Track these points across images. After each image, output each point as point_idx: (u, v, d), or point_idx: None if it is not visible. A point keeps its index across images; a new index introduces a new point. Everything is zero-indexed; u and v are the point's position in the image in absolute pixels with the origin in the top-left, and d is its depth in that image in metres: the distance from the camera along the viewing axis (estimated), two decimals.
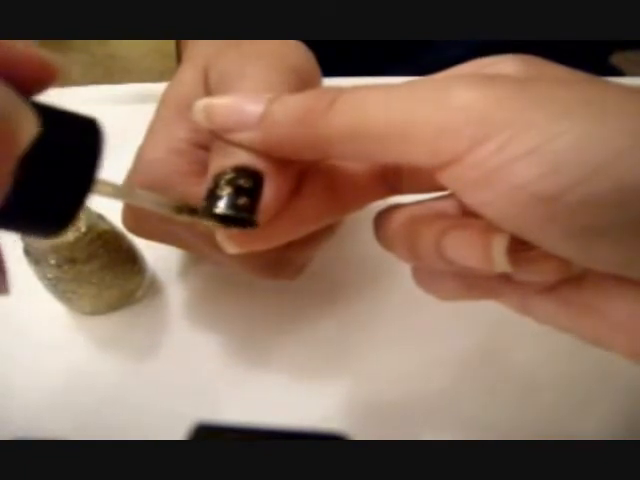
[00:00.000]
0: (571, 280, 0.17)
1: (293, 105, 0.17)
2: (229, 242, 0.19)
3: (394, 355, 0.30)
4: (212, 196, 0.17)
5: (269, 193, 0.18)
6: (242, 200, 0.17)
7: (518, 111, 0.14)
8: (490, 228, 0.17)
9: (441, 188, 0.21)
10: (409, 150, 0.15)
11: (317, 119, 0.16)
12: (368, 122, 0.16)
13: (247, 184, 0.17)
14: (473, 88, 0.15)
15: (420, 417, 0.28)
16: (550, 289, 0.18)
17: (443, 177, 0.16)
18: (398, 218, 0.19)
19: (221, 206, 0.17)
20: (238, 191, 0.17)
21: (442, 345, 0.30)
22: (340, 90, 0.16)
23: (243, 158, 0.18)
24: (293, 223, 0.19)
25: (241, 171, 0.17)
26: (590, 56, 0.51)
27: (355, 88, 0.16)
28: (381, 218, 0.20)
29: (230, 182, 0.17)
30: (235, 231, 0.18)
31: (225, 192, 0.17)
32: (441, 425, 0.27)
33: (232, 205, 0.17)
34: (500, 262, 0.16)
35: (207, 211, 0.17)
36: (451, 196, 0.21)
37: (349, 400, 0.28)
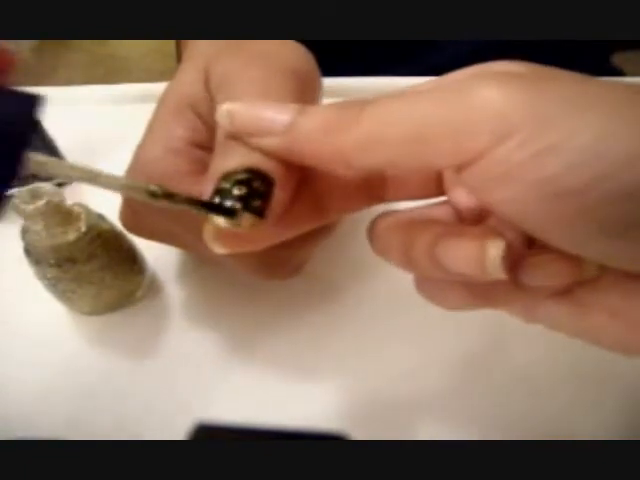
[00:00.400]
0: (585, 282, 0.17)
1: (321, 116, 0.17)
2: (216, 243, 0.19)
3: (394, 355, 0.30)
4: (222, 193, 0.17)
5: (278, 198, 0.18)
6: (257, 202, 0.17)
7: (537, 107, 0.14)
8: (485, 235, 0.17)
9: (426, 196, 0.21)
10: (432, 152, 0.15)
11: (344, 130, 0.16)
12: (393, 129, 0.16)
13: (262, 187, 0.17)
14: (491, 86, 0.15)
15: (420, 417, 0.28)
16: (562, 293, 0.18)
17: (465, 177, 0.16)
18: (391, 224, 0.19)
19: (237, 205, 0.17)
20: (252, 193, 0.17)
21: (442, 344, 0.30)
22: (366, 101, 0.17)
23: (259, 161, 0.18)
24: (278, 227, 0.19)
25: (254, 173, 0.17)
26: (590, 56, 0.51)
27: (380, 98, 0.16)
28: (374, 225, 0.20)
29: (244, 183, 0.17)
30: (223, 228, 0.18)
31: (240, 192, 0.17)
32: (441, 425, 0.27)
33: (247, 206, 0.17)
34: (494, 269, 0.16)
35: (214, 207, 0.17)
36: (445, 203, 0.21)
37: (349, 400, 0.28)
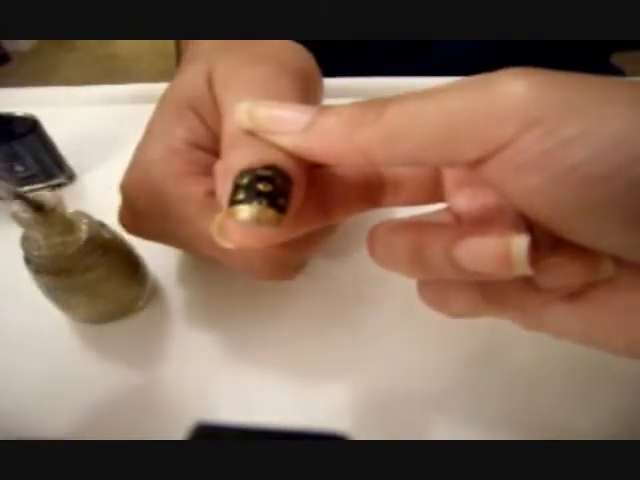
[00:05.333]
0: (601, 283, 0.17)
1: (343, 113, 0.17)
2: (222, 237, 0.19)
3: (395, 354, 0.30)
4: (246, 189, 0.17)
5: (295, 196, 0.18)
6: (282, 200, 0.17)
7: (564, 96, 0.14)
8: (505, 231, 0.16)
9: (422, 202, 0.21)
10: (457, 144, 0.15)
11: (368, 125, 0.16)
12: (418, 122, 0.16)
13: (284, 185, 0.17)
14: (517, 77, 0.15)
15: (421, 417, 0.28)
16: (574, 295, 0.18)
17: (487, 169, 0.15)
18: (398, 228, 0.19)
19: (263, 201, 0.17)
20: (278, 190, 0.17)
21: (443, 345, 0.30)
22: (389, 98, 0.17)
23: (280, 158, 0.18)
24: (284, 226, 0.19)
25: (275, 170, 0.17)
26: (590, 56, 0.51)
27: (403, 94, 0.16)
28: (376, 230, 0.20)
29: (267, 179, 0.17)
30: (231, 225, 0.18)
31: (266, 188, 0.17)
32: (442, 425, 0.27)
33: (272, 202, 0.17)
34: (520, 264, 0.16)
35: (237, 203, 0.17)
36: (442, 211, 0.21)
37: (349, 400, 0.28)
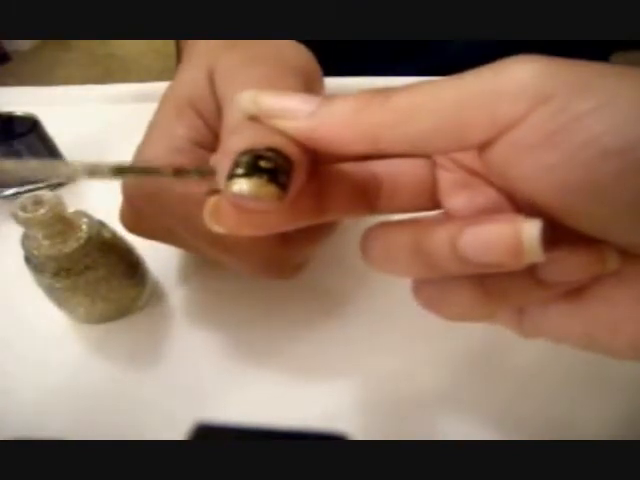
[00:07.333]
0: (606, 277, 0.17)
1: (350, 98, 0.17)
2: (214, 220, 0.19)
3: (395, 354, 0.30)
4: (246, 165, 0.17)
5: (295, 180, 0.17)
6: (282, 177, 0.17)
7: (577, 76, 0.14)
8: (514, 218, 0.16)
9: (417, 208, 0.21)
10: (466, 125, 0.15)
11: (376, 107, 0.16)
12: (427, 102, 0.16)
13: (286, 166, 0.17)
14: (526, 61, 0.15)
15: (421, 417, 0.28)
16: (579, 292, 0.17)
17: (495, 152, 0.15)
18: (398, 227, 0.19)
19: (263, 177, 0.16)
20: (278, 167, 0.17)
21: (443, 344, 0.30)
22: (393, 87, 0.16)
23: (281, 141, 0.17)
24: (279, 217, 0.19)
25: (275, 152, 0.17)
26: (590, 56, 0.51)
27: (408, 84, 0.16)
28: (374, 231, 0.19)
29: (269, 159, 0.17)
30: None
31: (268, 165, 0.17)
32: (442, 425, 0.27)
33: (274, 179, 0.17)
34: (532, 250, 0.15)
35: (236, 177, 0.17)
36: (441, 215, 0.20)
37: (349, 400, 0.28)
